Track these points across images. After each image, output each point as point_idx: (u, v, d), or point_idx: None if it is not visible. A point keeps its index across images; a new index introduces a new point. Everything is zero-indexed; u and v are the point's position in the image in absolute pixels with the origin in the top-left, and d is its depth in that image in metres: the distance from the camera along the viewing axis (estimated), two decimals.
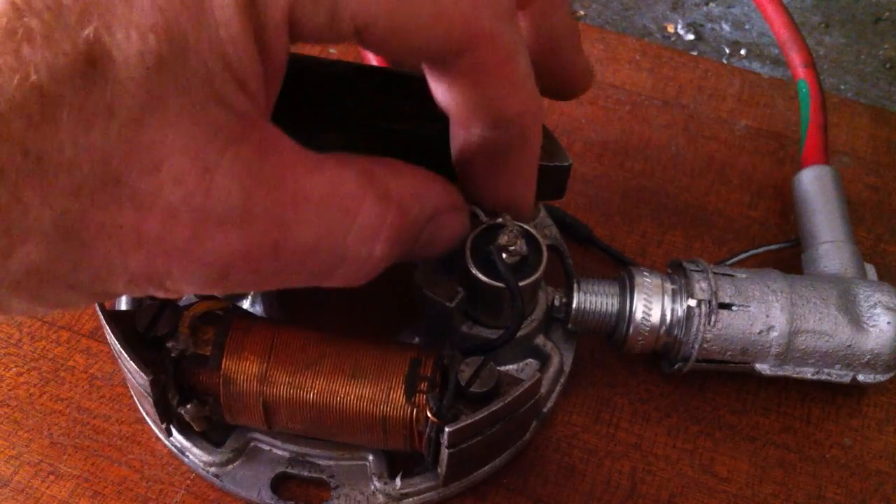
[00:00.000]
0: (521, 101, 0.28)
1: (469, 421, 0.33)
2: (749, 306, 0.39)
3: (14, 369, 0.42)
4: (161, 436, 0.39)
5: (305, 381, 0.34)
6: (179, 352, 0.34)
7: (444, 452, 0.34)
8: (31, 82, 0.19)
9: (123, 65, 0.20)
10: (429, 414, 0.33)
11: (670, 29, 0.96)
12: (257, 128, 0.23)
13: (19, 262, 0.20)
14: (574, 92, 0.35)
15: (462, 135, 0.30)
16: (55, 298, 0.22)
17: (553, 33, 0.31)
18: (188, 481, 0.39)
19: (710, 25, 0.95)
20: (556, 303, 0.40)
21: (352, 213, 0.25)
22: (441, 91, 0.28)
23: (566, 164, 0.36)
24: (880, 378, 0.41)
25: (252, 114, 0.23)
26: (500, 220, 0.35)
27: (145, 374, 0.33)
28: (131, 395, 0.41)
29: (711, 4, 0.98)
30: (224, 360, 0.34)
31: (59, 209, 0.20)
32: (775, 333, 0.39)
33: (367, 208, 0.26)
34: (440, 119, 0.30)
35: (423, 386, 0.34)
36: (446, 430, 0.32)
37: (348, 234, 0.25)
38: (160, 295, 0.24)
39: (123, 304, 0.42)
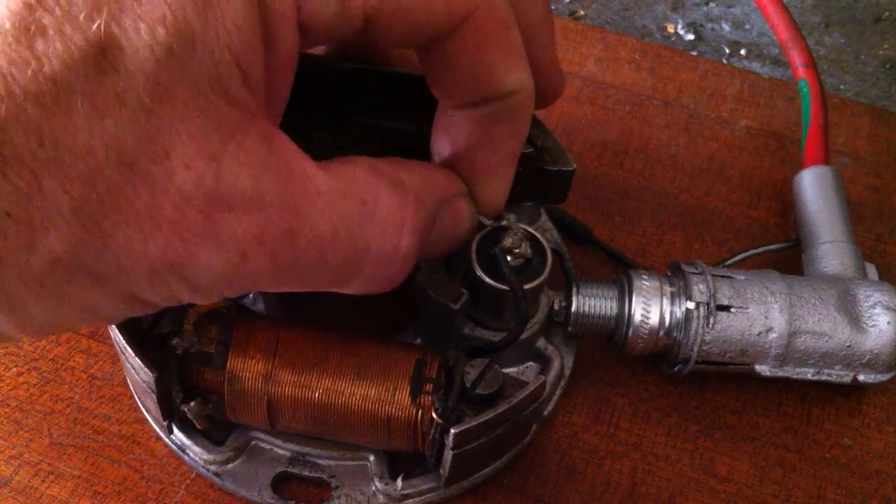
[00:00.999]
0: (516, 72, 0.28)
1: (474, 423, 0.33)
2: (748, 308, 0.39)
3: (14, 369, 0.42)
4: (161, 434, 0.39)
5: (311, 381, 0.34)
6: (184, 349, 0.34)
7: (448, 454, 0.34)
8: (45, 73, 0.20)
9: (133, 56, 0.20)
10: (434, 415, 0.33)
11: (670, 29, 0.96)
12: (258, 121, 0.23)
13: (43, 255, 0.21)
14: (544, 93, 0.33)
15: (451, 116, 0.30)
16: (79, 298, 0.22)
17: (528, 25, 0.31)
18: (188, 481, 0.39)
19: (710, 25, 0.95)
20: (556, 306, 0.40)
21: (369, 204, 0.25)
22: (438, 74, 0.29)
23: (570, 168, 0.36)
24: (880, 378, 0.41)
25: (252, 106, 0.23)
26: (504, 222, 0.35)
27: (150, 370, 0.33)
28: (131, 395, 0.41)
29: (711, 4, 0.98)
30: (229, 358, 0.34)
31: (78, 196, 0.21)
32: (774, 335, 0.39)
33: (386, 199, 0.26)
34: None
35: (429, 387, 0.34)
36: (451, 431, 0.33)
37: (369, 225, 0.25)
38: (185, 294, 0.24)
39: None
